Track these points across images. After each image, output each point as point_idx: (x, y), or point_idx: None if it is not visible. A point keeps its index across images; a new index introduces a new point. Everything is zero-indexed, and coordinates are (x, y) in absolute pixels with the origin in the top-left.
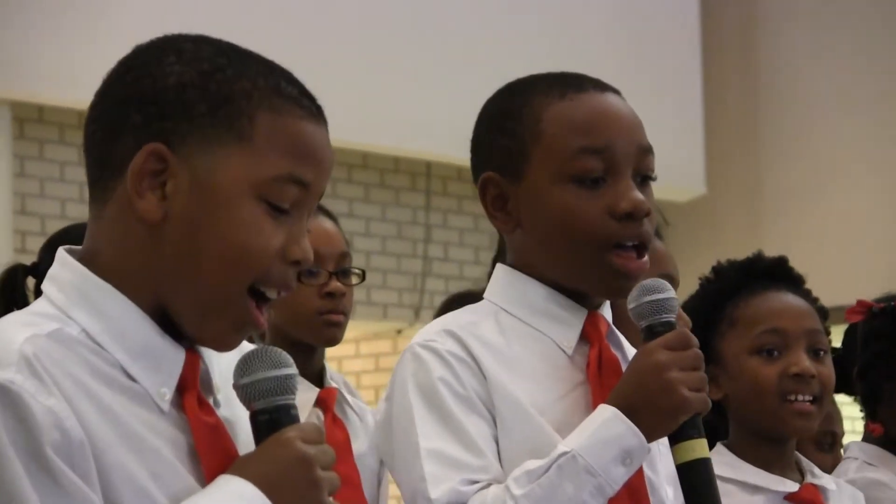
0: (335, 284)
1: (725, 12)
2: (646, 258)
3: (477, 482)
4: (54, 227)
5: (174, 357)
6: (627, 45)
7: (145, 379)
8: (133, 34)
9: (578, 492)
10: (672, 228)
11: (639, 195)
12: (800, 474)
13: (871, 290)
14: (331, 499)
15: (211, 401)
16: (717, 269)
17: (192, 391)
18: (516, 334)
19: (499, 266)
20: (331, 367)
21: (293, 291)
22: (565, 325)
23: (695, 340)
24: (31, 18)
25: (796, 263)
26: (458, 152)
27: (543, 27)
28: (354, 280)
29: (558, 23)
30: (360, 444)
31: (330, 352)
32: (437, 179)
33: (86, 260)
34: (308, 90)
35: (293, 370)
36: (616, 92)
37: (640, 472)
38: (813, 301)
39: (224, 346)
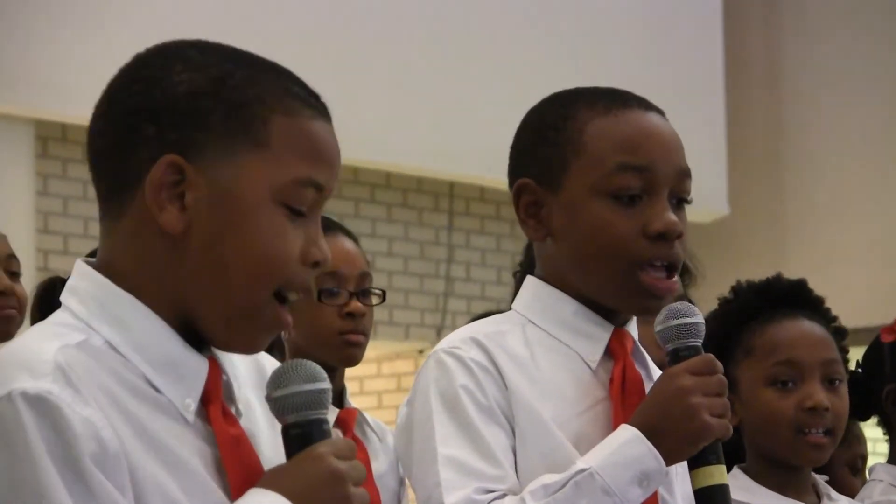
0: (355, 304)
1: (749, 34)
2: (675, 279)
3: (492, 491)
4: (77, 245)
5: (198, 367)
6: (650, 65)
7: (170, 390)
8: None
9: None
10: (694, 249)
11: (673, 217)
12: (816, 497)
13: (894, 312)
14: None
15: (233, 410)
16: (737, 290)
17: (216, 402)
18: (542, 347)
19: (529, 278)
20: (351, 387)
21: (312, 304)
22: (591, 339)
23: (719, 366)
24: (54, 37)
25: (819, 285)
26: (481, 173)
27: (567, 50)
28: (375, 300)
29: (581, 45)
30: (379, 465)
31: (351, 372)
32: (459, 200)
33: (103, 271)
34: (313, 90)
35: (327, 385)
36: (660, 112)
37: (654, 493)
38: (831, 321)
39: (254, 349)
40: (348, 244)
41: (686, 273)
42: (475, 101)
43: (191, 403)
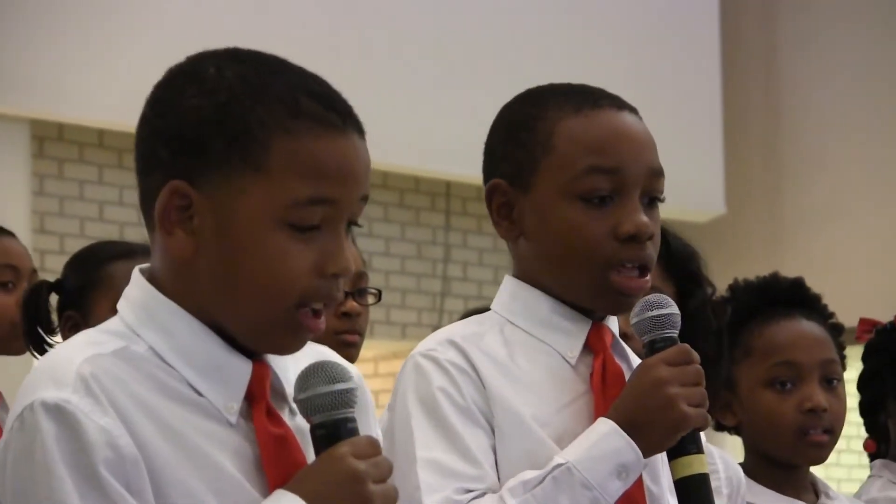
0: (351, 304)
1: (746, 33)
2: (647, 278)
3: (472, 491)
4: (73, 245)
5: (241, 370)
6: (647, 65)
7: (212, 394)
8: (153, 54)
9: None
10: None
11: (643, 218)
12: (815, 495)
13: (891, 311)
14: None
15: (287, 410)
16: (734, 288)
17: (260, 402)
18: (520, 346)
19: (507, 277)
20: None
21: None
22: (569, 335)
23: (696, 356)
24: (51, 37)
25: (816, 283)
26: (478, 172)
27: (563, 48)
28: (371, 300)
29: (578, 43)
30: None
31: None
32: (456, 199)
33: (152, 279)
34: (335, 100)
35: (351, 384)
36: (633, 110)
37: (639, 483)
38: (828, 318)
39: (286, 352)
40: None
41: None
42: (472, 101)
43: (234, 406)
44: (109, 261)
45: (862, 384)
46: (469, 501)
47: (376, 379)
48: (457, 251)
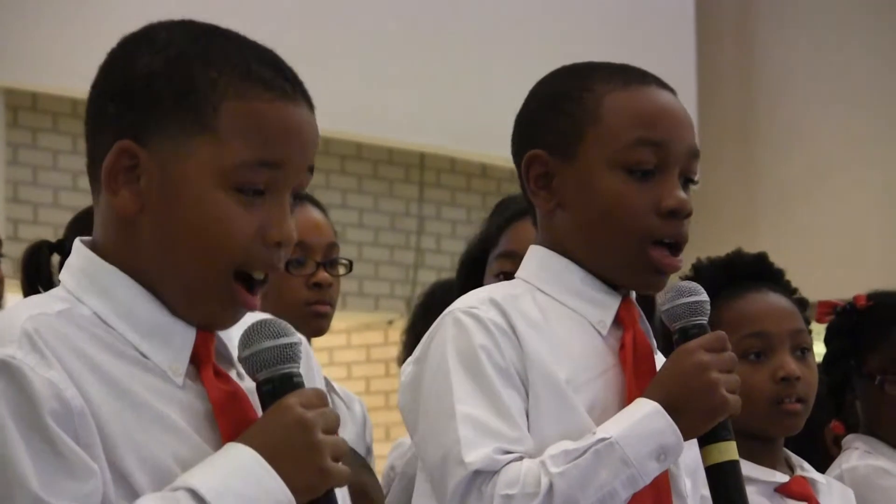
0: (322, 275)
1: (721, 7)
2: (680, 258)
3: (511, 452)
4: (47, 215)
5: (185, 334)
6: (621, 39)
7: (157, 356)
8: (128, 23)
9: (612, 479)
10: None
11: (684, 195)
12: (789, 469)
13: (864, 286)
14: (338, 464)
15: (234, 373)
16: (697, 268)
17: (207, 364)
18: (554, 312)
19: (533, 247)
20: (321, 358)
21: (280, 274)
22: (600, 306)
23: (729, 344)
24: (24, 6)
25: (789, 259)
26: (452, 144)
27: (538, 22)
28: (342, 270)
29: (552, 17)
30: (346, 433)
31: (321, 342)
32: (430, 171)
33: (94, 246)
34: (284, 68)
35: (294, 338)
36: (674, 92)
37: None
38: (793, 293)
39: (218, 326)
40: (316, 214)
41: None
42: (447, 73)
43: (179, 367)
44: None
45: (826, 367)
46: (508, 462)
47: (349, 350)
48: (430, 223)
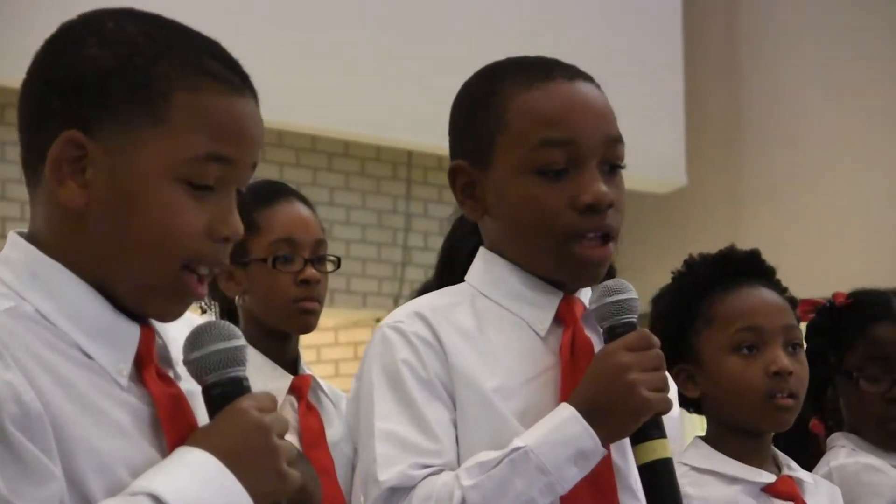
0: (310, 272)
1: (708, 3)
2: (611, 245)
3: (428, 467)
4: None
5: (129, 333)
6: (609, 35)
7: (102, 356)
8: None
9: (528, 488)
10: (652, 219)
11: (601, 187)
12: (776, 468)
13: (851, 283)
14: (290, 468)
15: (171, 374)
16: (690, 263)
17: (149, 365)
18: (490, 318)
19: (481, 249)
20: (308, 355)
21: (268, 270)
22: (539, 307)
23: (656, 341)
24: (11, 4)
25: (777, 256)
26: (440, 142)
27: (525, 17)
28: (330, 267)
29: (540, 13)
30: (334, 432)
31: (308, 340)
32: (417, 169)
33: (33, 239)
34: (234, 62)
35: (242, 342)
36: (587, 79)
37: (607, 460)
38: (783, 292)
39: (168, 317)
40: (304, 211)
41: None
42: (433, 71)
43: (124, 368)
44: None
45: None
46: (424, 478)
47: (336, 348)
48: (418, 220)
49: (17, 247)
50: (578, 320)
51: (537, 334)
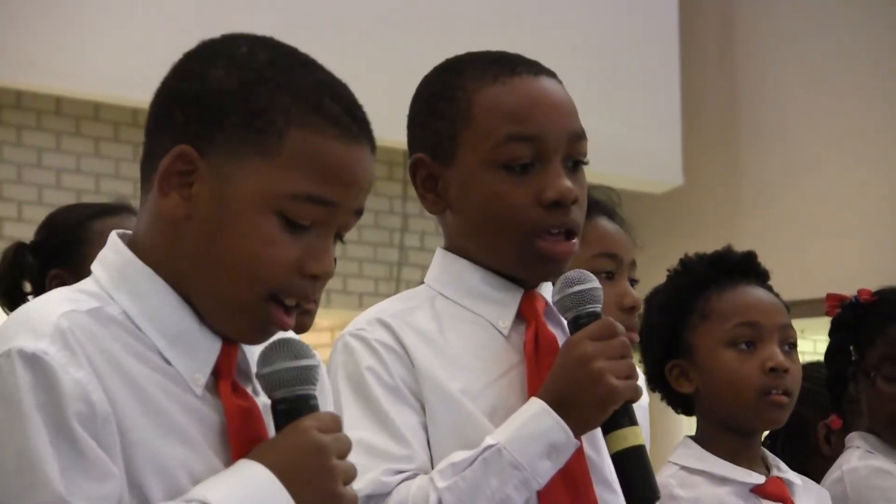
0: None
1: (704, 4)
2: (574, 241)
3: (402, 472)
4: (31, 213)
5: (209, 345)
6: (606, 37)
7: (180, 363)
8: (111, 22)
9: (503, 485)
10: (649, 219)
11: (566, 183)
12: (766, 468)
13: (847, 283)
14: (347, 487)
15: (250, 389)
16: (686, 262)
17: (227, 377)
18: (451, 319)
19: (438, 250)
20: None
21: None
22: (500, 305)
23: (621, 328)
24: (7, 5)
25: (772, 255)
26: None
27: (522, 20)
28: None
29: (537, 14)
30: None
31: (305, 339)
32: None
33: (131, 243)
34: (356, 109)
35: (314, 361)
36: (551, 75)
37: (579, 453)
38: (776, 297)
39: (248, 342)
40: None
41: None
42: (428, 70)
43: (200, 377)
44: (96, 217)
45: (828, 358)
46: (398, 483)
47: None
48: (414, 221)
49: (115, 248)
50: (541, 316)
51: (500, 332)
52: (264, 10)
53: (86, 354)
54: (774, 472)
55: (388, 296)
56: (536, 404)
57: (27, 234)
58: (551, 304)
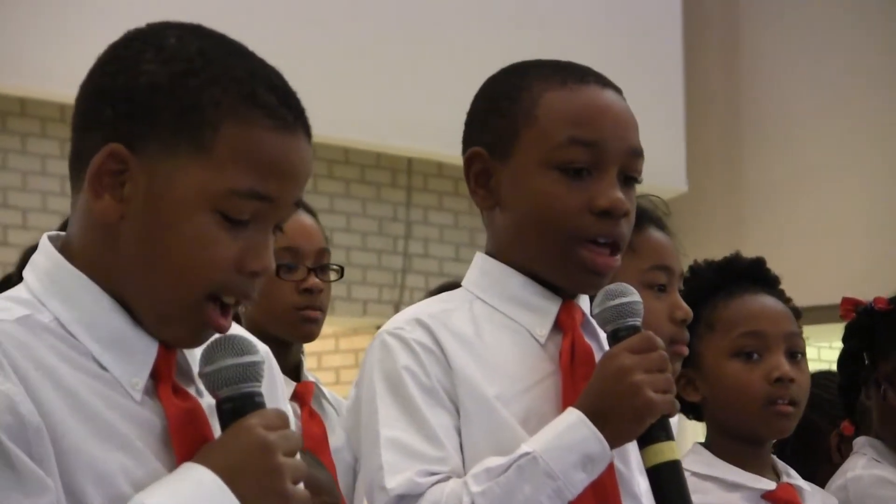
0: (313, 280)
1: (708, 11)
2: (618, 258)
3: (435, 474)
4: (36, 220)
5: (146, 348)
6: (610, 42)
7: (116, 368)
8: (115, 28)
9: (536, 494)
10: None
11: (619, 194)
12: (776, 475)
13: (850, 289)
14: (297, 486)
15: (193, 390)
16: (694, 269)
17: (166, 380)
18: (489, 324)
19: (477, 254)
20: (309, 362)
21: (271, 278)
22: (539, 313)
23: (660, 342)
24: (11, 12)
25: (777, 262)
26: (440, 148)
27: (527, 25)
28: (333, 276)
29: (541, 20)
30: (336, 439)
31: (309, 347)
32: (417, 176)
33: (63, 246)
34: (290, 97)
35: (257, 357)
36: (617, 90)
37: (609, 466)
38: (786, 301)
39: (185, 346)
40: (307, 219)
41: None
42: (433, 77)
43: (138, 382)
44: None
45: (841, 364)
46: (431, 485)
47: (337, 355)
48: (418, 227)
49: (46, 253)
50: (578, 326)
51: (536, 340)
52: (270, 20)
53: (12, 365)
54: (784, 479)
55: (391, 303)
56: (574, 414)
57: (31, 241)
58: (589, 315)
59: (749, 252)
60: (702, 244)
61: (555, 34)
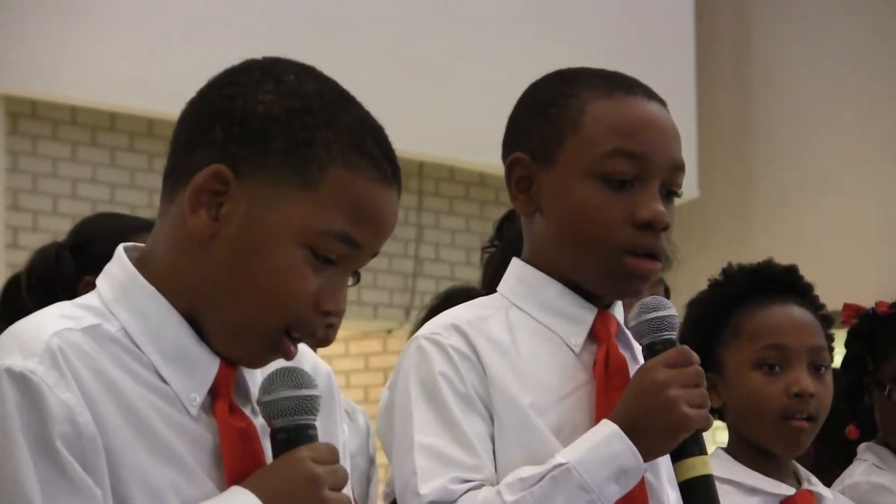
0: None
1: (720, 17)
2: (659, 264)
3: (468, 481)
4: (46, 222)
5: (208, 365)
6: (621, 48)
7: (177, 382)
8: (126, 32)
9: None
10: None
11: (661, 207)
12: (797, 481)
13: (860, 295)
14: None
15: (249, 409)
16: (728, 272)
17: (224, 397)
18: (524, 331)
19: (514, 260)
20: None
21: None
22: (574, 322)
23: (695, 357)
24: (25, 15)
25: None
26: (451, 153)
27: (538, 30)
28: (349, 281)
29: (553, 25)
30: (350, 445)
31: (320, 351)
32: (429, 180)
33: (142, 257)
34: (391, 152)
35: (314, 391)
36: (662, 103)
37: (641, 478)
38: (819, 308)
39: (251, 365)
40: None
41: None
42: (446, 81)
43: (196, 397)
44: (139, 231)
45: (844, 369)
46: (464, 492)
47: (347, 359)
48: (429, 232)
49: (120, 264)
50: (613, 337)
51: (571, 350)
52: (282, 24)
53: (74, 375)
54: (805, 486)
55: (402, 307)
56: (609, 427)
57: (42, 243)
58: (623, 326)
59: (760, 257)
60: (712, 249)
61: (567, 41)
